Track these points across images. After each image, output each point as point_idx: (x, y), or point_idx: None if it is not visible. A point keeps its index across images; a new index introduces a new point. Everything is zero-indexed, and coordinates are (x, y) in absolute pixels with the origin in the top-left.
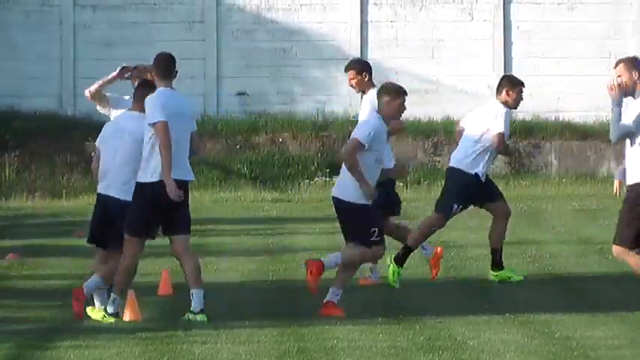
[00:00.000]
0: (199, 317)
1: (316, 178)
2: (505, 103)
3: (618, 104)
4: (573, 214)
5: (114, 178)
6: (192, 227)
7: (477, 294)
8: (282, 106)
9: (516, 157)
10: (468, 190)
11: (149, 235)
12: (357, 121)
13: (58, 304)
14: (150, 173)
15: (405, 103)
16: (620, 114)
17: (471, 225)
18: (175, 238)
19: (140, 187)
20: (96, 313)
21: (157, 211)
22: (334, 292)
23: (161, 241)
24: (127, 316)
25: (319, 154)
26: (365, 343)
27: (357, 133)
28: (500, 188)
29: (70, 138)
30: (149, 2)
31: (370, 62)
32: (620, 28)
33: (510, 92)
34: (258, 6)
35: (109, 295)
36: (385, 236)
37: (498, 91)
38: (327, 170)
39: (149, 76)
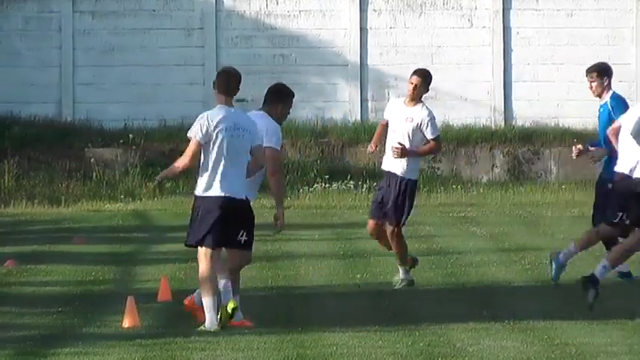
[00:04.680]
0: None
1: (315, 185)
2: None
3: None
4: (572, 220)
5: None
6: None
7: (477, 301)
8: None
9: (516, 163)
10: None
11: None
12: None
13: (58, 311)
14: None
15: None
16: None
17: (471, 232)
18: None
19: None
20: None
21: None
22: None
23: (159, 247)
24: (126, 323)
25: (318, 161)
26: (364, 350)
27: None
28: (498, 195)
29: (69, 144)
30: (148, 9)
31: (369, 69)
32: (619, 35)
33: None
34: (258, 12)
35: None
36: None
37: None
38: (327, 177)
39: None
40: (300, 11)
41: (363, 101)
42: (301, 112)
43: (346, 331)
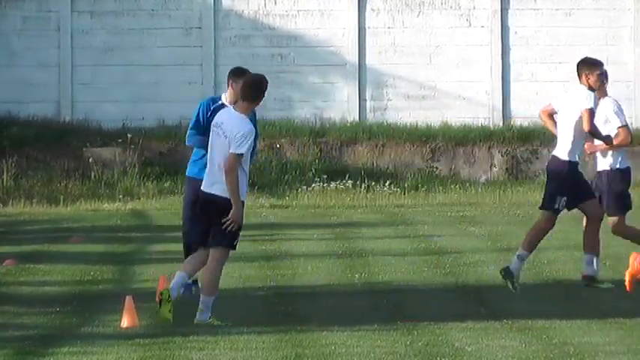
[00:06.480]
0: None
1: (314, 184)
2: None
3: None
4: (570, 220)
5: None
6: None
7: (475, 300)
8: (280, 112)
9: (514, 163)
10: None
11: None
12: None
13: (56, 311)
14: None
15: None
16: None
17: (469, 231)
18: None
19: None
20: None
21: None
22: None
23: (158, 247)
24: (124, 323)
25: (317, 160)
26: (363, 349)
27: None
28: (497, 194)
29: (67, 144)
30: (147, 8)
31: (368, 68)
32: (617, 34)
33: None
34: (256, 12)
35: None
36: None
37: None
38: (325, 176)
39: None
40: (298, 11)
41: (362, 101)
42: (299, 111)
43: (344, 331)
